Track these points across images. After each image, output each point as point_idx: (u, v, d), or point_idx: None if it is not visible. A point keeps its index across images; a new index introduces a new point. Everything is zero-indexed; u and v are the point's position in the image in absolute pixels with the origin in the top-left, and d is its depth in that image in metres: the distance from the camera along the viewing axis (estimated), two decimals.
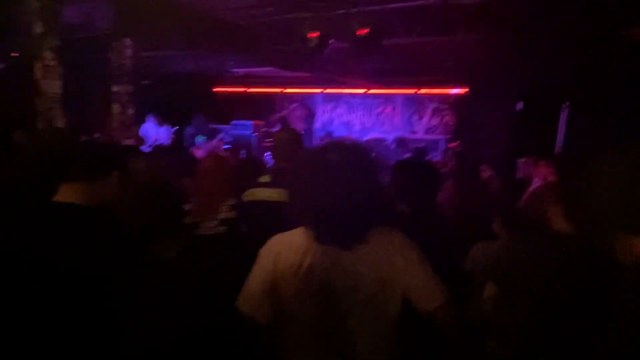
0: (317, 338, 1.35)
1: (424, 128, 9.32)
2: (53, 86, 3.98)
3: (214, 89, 10.76)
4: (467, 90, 7.93)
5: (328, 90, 10.24)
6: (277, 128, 7.92)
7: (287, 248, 1.37)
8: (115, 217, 1.53)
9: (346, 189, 1.27)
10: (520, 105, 6.73)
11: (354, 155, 1.35)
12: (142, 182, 2.85)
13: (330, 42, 4.69)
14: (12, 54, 5.99)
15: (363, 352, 1.33)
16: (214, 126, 8.68)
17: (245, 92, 10.78)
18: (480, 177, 4.18)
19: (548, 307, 1.44)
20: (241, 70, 9.20)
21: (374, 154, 1.48)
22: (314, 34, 4.52)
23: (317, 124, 10.31)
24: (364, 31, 4.25)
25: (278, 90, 10.67)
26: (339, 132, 9.82)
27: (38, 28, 4.02)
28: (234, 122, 9.24)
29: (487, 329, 1.72)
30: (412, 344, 1.45)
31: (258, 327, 1.40)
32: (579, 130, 5.76)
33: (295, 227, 1.39)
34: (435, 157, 6.91)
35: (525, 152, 4.29)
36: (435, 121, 9.19)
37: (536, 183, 3.45)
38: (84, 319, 1.33)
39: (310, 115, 10.36)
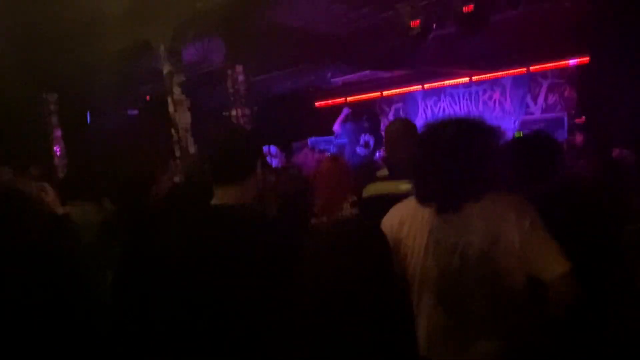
0: (436, 293, 1.47)
1: (540, 108, 8.55)
2: (184, 118, 4.53)
3: (316, 104, 11.15)
4: (588, 58, 7.10)
5: (428, 86, 9.97)
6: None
7: (403, 214, 1.54)
8: (266, 213, 1.68)
9: (450, 156, 1.42)
10: None
11: (462, 127, 1.47)
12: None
13: (433, 27, 4.59)
14: (146, 98, 6.96)
15: (481, 309, 1.41)
16: (319, 139, 8.97)
17: (345, 101, 11.00)
18: (612, 151, 3.78)
19: None
20: (339, 80, 9.41)
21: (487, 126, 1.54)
22: (416, 23, 4.47)
23: (420, 121, 10.06)
24: (469, 8, 4.08)
25: (377, 94, 10.69)
26: None
27: (166, 68, 4.62)
28: (336, 130, 9.45)
29: None
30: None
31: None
32: None
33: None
34: (561, 135, 6.31)
35: None
36: (553, 98, 8.38)
37: None
38: (249, 311, 1.46)
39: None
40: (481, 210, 1.42)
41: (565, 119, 7.63)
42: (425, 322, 1.50)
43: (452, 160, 1.41)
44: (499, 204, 1.42)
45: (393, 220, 1.56)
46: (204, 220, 1.56)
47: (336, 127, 6.78)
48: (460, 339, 1.44)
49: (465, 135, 1.44)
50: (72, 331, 1.75)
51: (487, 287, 1.40)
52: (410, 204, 1.54)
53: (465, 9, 4.15)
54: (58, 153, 6.81)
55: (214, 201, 1.62)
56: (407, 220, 1.51)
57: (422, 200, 1.48)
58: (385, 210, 2.50)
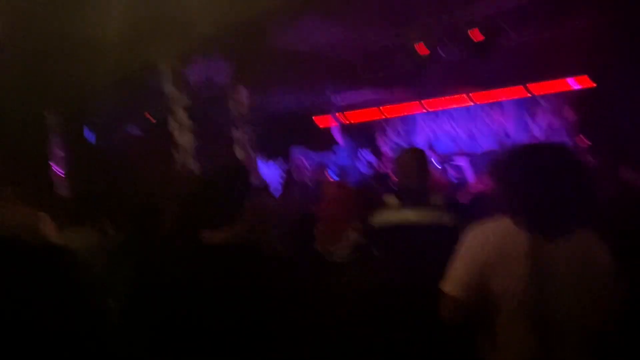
0: (533, 320, 1.43)
1: (541, 130, 8.58)
2: (186, 139, 4.51)
3: (315, 120, 11.18)
4: (591, 82, 7.15)
5: (428, 106, 10.00)
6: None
7: (497, 237, 1.48)
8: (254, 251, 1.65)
9: (565, 186, 1.42)
10: None
11: (570, 155, 1.50)
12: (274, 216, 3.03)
13: (439, 52, 4.62)
14: (147, 116, 6.94)
15: (576, 337, 1.42)
16: (317, 155, 8.98)
17: (345, 119, 11.02)
18: (621, 173, 3.74)
19: None
20: (340, 99, 9.48)
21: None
22: (422, 47, 4.49)
23: (420, 141, 10.06)
24: (480, 37, 4.11)
25: (377, 112, 10.72)
26: (444, 146, 9.48)
27: (170, 90, 4.61)
28: (336, 148, 9.47)
29: None
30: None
31: (462, 307, 1.50)
32: None
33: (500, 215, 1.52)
34: None
35: None
36: (555, 121, 8.42)
37: None
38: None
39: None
40: (586, 240, 1.44)
41: (567, 142, 7.64)
42: (516, 348, 1.46)
43: (568, 187, 1.43)
44: (593, 235, 1.46)
45: (485, 241, 1.49)
46: (195, 262, 1.56)
47: (338, 139, 6.80)
48: None
49: (575, 161, 1.49)
50: None
51: (587, 317, 1.42)
52: (504, 226, 1.48)
53: (475, 39, 4.18)
54: (58, 172, 6.76)
55: (203, 239, 1.60)
56: (503, 244, 1.45)
57: (531, 226, 1.43)
58: (400, 241, 2.44)
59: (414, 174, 2.42)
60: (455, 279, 1.51)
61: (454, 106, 9.62)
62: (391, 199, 2.54)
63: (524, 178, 1.48)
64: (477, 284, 1.47)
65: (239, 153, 5.15)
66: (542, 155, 1.49)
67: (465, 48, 4.46)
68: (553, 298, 1.40)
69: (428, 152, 8.14)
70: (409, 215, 2.37)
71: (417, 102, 9.84)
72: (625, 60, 5.56)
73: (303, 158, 7.99)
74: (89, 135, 7.03)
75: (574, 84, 7.65)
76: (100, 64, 5.02)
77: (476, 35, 4.10)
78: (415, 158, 2.48)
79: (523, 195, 1.47)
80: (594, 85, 6.99)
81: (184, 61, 4.62)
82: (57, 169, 6.68)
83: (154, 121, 6.58)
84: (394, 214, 2.43)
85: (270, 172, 8.13)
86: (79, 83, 5.65)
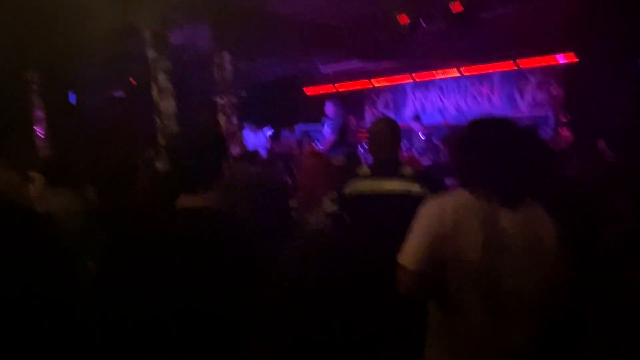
0: (477, 290, 1.45)
1: (528, 105, 8.61)
2: (168, 105, 4.46)
3: (304, 90, 11.08)
4: (576, 56, 7.15)
5: (418, 77, 9.95)
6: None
7: (453, 207, 1.49)
8: (230, 217, 1.68)
9: (522, 159, 1.47)
10: None
11: (524, 129, 1.60)
12: (254, 185, 3.07)
13: (421, 23, 4.55)
14: (130, 81, 6.83)
15: (521, 308, 1.46)
16: (308, 126, 8.96)
17: (334, 89, 10.93)
18: (599, 151, 3.81)
19: None
20: (329, 68, 9.37)
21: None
22: (404, 18, 4.42)
23: (408, 113, 10.06)
24: (459, 8, 4.05)
25: (367, 83, 10.65)
26: (433, 119, 9.49)
27: (151, 54, 4.53)
28: (324, 119, 9.42)
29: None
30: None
31: (418, 280, 1.51)
32: None
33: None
34: (546, 134, 6.38)
35: None
36: (540, 96, 8.44)
37: None
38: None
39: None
40: (535, 212, 1.49)
41: (552, 116, 7.70)
42: (467, 317, 1.48)
43: (523, 155, 1.48)
44: (540, 207, 1.50)
45: (442, 213, 1.48)
46: (171, 226, 1.58)
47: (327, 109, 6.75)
48: (496, 334, 1.47)
49: (527, 132, 1.58)
50: (55, 327, 1.75)
51: (537, 287, 1.45)
52: (461, 199, 1.49)
53: (454, 10, 4.12)
54: (40, 134, 6.67)
55: (180, 204, 1.63)
56: (459, 216, 1.45)
57: (488, 197, 1.45)
58: (370, 209, 2.50)
59: (386, 144, 2.44)
60: (411, 252, 1.50)
61: (443, 77, 9.59)
62: (363, 169, 2.58)
63: (482, 150, 1.51)
64: (433, 257, 1.47)
65: (222, 119, 5.11)
66: (499, 128, 1.53)
67: (449, 23, 4.39)
68: (506, 268, 1.42)
69: (414, 124, 8.12)
70: (380, 185, 2.42)
71: (407, 73, 9.79)
72: (611, 36, 5.56)
73: (291, 130, 7.97)
74: (72, 97, 6.92)
75: (562, 59, 7.65)
76: (83, 26, 4.90)
77: (456, 6, 4.04)
78: (387, 128, 2.49)
79: (481, 167, 1.50)
80: (580, 61, 7.00)
81: (166, 24, 4.52)
82: (39, 131, 6.60)
83: (136, 85, 6.49)
84: (365, 183, 2.48)
85: (257, 140, 8.12)
86: (61, 44, 5.53)
